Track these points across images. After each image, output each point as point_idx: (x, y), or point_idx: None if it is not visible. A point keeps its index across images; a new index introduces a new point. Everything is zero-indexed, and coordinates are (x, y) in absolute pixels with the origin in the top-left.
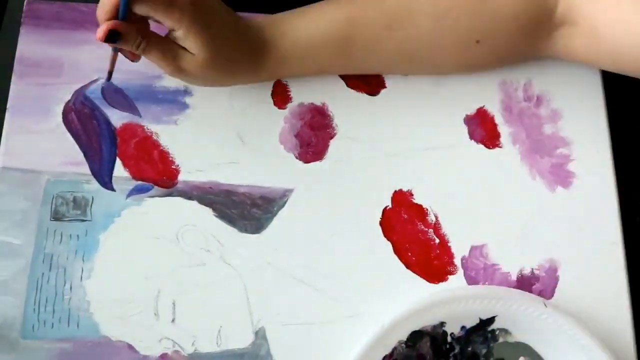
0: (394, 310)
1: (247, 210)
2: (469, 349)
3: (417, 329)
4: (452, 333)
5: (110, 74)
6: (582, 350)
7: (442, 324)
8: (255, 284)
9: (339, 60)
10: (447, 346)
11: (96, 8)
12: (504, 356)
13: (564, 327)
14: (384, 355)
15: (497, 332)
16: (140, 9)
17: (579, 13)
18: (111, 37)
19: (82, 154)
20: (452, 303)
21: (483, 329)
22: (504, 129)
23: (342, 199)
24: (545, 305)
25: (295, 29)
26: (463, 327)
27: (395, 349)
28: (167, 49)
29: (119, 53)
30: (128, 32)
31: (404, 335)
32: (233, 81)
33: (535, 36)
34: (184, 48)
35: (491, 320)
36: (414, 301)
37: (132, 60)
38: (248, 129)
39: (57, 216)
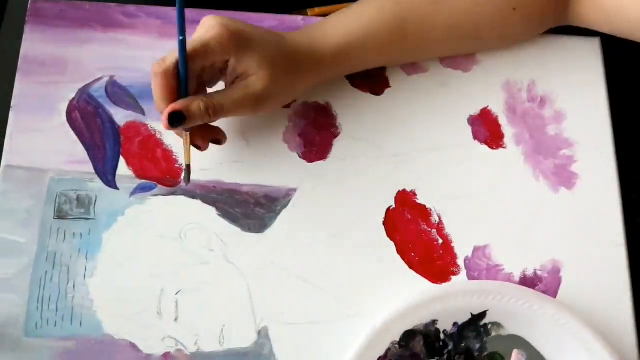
0: (396, 306)
1: (251, 209)
2: (463, 344)
3: (409, 328)
4: (445, 330)
5: (188, 169)
6: (574, 337)
7: (434, 321)
8: (258, 283)
9: (397, 45)
10: (441, 343)
11: (100, 7)
12: (498, 350)
13: (556, 317)
14: (377, 357)
15: (489, 326)
16: (192, 66)
17: None
18: (175, 119)
19: (85, 153)
20: (443, 300)
21: (475, 324)
22: (507, 130)
23: (345, 199)
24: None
25: (346, 22)
26: (455, 324)
27: (388, 350)
28: (232, 90)
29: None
30: (189, 105)
31: (396, 335)
32: (302, 81)
33: (558, 4)
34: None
35: (483, 314)
36: (404, 300)
37: (203, 149)
38: (252, 128)
39: (60, 214)
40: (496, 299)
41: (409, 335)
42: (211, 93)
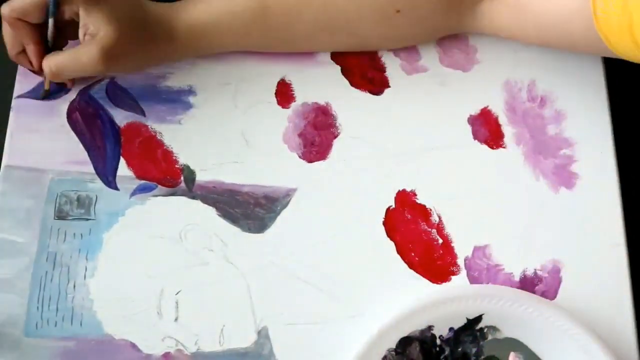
0: (391, 313)
1: (251, 209)
2: (459, 349)
3: (405, 335)
4: (441, 335)
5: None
6: (571, 339)
7: (429, 327)
8: (258, 284)
9: (257, 32)
10: (437, 349)
11: None
12: (495, 353)
13: (551, 319)
14: None
15: (485, 330)
16: (38, 15)
17: None
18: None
19: (86, 153)
20: (438, 305)
21: (471, 329)
22: (507, 130)
23: (345, 199)
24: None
25: (209, 1)
26: (451, 329)
27: (385, 357)
28: (78, 49)
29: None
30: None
31: (392, 342)
32: (154, 50)
33: (457, 9)
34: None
35: (478, 318)
36: (399, 307)
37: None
38: (252, 129)
39: (61, 215)
40: (491, 302)
41: (405, 342)
42: (56, 53)
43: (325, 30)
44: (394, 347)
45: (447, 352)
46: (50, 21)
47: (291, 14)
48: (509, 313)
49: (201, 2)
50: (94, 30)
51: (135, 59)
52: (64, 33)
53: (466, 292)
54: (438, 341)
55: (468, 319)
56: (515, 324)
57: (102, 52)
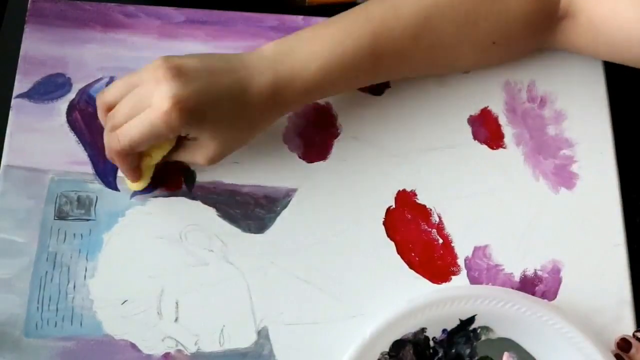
0: (384, 316)
1: (251, 210)
2: (453, 350)
3: (398, 338)
4: (434, 337)
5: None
6: (565, 338)
7: (422, 329)
8: (258, 284)
9: (369, 74)
10: (431, 351)
11: (100, 7)
12: (488, 353)
13: (544, 318)
14: None
15: (478, 331)
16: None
17: (578, 6)
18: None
19: (86, 153)
20: (431, 307)
21: (464, 330)
22: (507, 130)
23: (345, 199)
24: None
25: (319, 54)
26: (444, 330)
27: None
28: (181, 151)
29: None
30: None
31: (385, 346)
32: (261, 128)
33: (542, 31)
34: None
35: (471, 319)
36: (391, 310)
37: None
38: None
39: (61, 215)
40: (484, 303)
41: (398, 345)
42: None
43: (429, 66)
44: (387, 350)
45: (440, 353)
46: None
47: (401, 57)
48: (502, 313)
49: (312, 56)
50: (198, 141)
51: (240, 144)
52: None
53: (459, 293)
54: (431, 343)
55: (461, 320)
56: (509, 324)
57: (210, 161)
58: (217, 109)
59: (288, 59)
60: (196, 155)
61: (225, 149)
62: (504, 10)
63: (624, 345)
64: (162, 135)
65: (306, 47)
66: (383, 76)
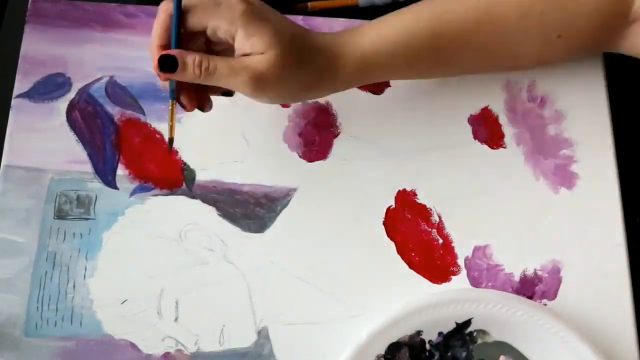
0: (380, 318)
1: (251, 209)
2: (449, 354)
3: (394, 340)
4: (430, 340)
5: (171, 141)
6: (560, 341)
7: (418, 332)
8: (258, 283)
9: (427, 60)
10: (427, 354)
11: (100, 7)
12: (484, 357)
13: (540, 322)
14: None
15: (474, 334)
16: (193, 20)
17: None
18: (167, 63)
19: (85, 153)
20: (427, 310)
21: (460, 333)
22: (508, 130)
23: (345, 199)
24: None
25: (379, 28)
26: (440, 333)
27: None
28: (233, 61)
29: (177, 104)
30: (185, 55)
31: (381, 348)
32: (313, 83)
33: (611, 31)
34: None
35: (467, 322)
36: (387, 313)
37: (188, 109)
38: (252, 128)
39: (60, 214)
40: (480, 306)
41: (394, 348)
42: (211, 55)
43: (491, 55)
44: (383, 353)
45: (436, 356)
46: (174, 21)
47: (461, 40)
48: (497, 316)
49: (371, 30)
50: (251, 53)
51: (293, 89)
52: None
53: (455, 297)
54: (427, 346)
55: (457, 323)
56: (505, 327)
57: (255, 77)
58: (277, 24)
59: (352, 30)
60: (249, 66)
61: (279, 71)
62: (575, 3)
63: None
64: (220, 17)
65: (368, 25)
66: (441, 61)
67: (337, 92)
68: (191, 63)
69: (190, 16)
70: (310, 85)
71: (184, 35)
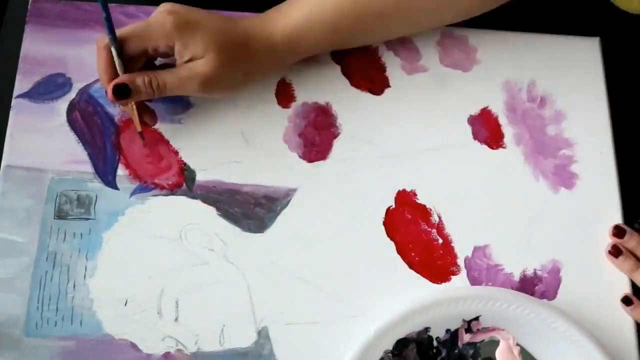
0: (388, 314)
1: (251, 209)
2: (456, 351)
3: (402, 336)
4: (438, 337)
5: (141, 135)
6: (567, 340)
7: (426, 329)
8: (258, 283)
9: (345, 24)
10: (434, 350)
11: (100, 8)
12: (491, 355)
13: (548, 320)
14: None
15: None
16: (131, 47)
17: None
18: (121, 91)
19: (86, 153)
20: (435, 307)
21: (468, 330)
22: (507, 130)
23: (345, 199)
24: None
25: (300, 2)
26: (448, 330)
27: (381, 359)
28: (178, 70)
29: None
30: (134, 79)
31: (389, 344)
32: (254, 67)
33: None
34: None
35: (475, 320)
36: (395, 309)
37: (151, 125)
38: (252, 128)
39: (60, 214)
40: (488, 304)
41: (401, 344)
42: (158, 70)
43: (405, 15)
44: (391, 348)
45: (443, 353)
46: (114, 53)
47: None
48: (505, 314)
49: (291, 6)
50: (193, 59)
51: (238, 79)
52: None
53: (463, 294)
54: (435, 343)
55: (465, 321)
56: (512, 325)
57: (202, 81)
58: (209, 26)
59: (275, 8)
60: (193, 72)
61: (221, 69)
62: None
63: (617, 232)
64: (155, 37)
65: (290, 1)
66: (360, 26)
67: (281, 71)
68: (142, 83)
69: (128, 44)
70: (253, 71)
71: (127, 61)
